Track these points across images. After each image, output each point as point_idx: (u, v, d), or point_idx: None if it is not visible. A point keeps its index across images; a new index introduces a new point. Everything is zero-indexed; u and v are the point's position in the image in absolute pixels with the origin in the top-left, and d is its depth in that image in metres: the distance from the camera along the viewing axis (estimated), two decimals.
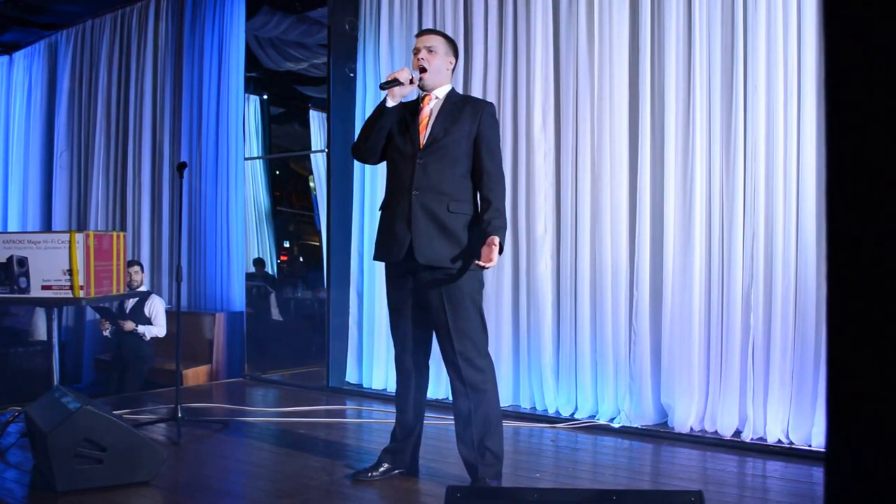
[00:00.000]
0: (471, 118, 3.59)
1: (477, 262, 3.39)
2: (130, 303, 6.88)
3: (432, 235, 3.51)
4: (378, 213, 3.76)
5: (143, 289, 6.84)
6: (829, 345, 0.87)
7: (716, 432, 4.59)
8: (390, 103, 3.59)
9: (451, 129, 3.57)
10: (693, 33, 4.70)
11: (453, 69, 3.78)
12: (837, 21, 0.85)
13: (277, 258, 11.77)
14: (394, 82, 3.55)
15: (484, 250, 3.38)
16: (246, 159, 7.41)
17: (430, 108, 3.68)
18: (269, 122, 11.36)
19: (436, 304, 3.54)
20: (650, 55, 4.87)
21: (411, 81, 3.60)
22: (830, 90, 0.86)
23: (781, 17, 4.41)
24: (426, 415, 3.91)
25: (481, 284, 3.64)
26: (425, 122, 3.65)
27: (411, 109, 3.72)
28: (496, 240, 3.38)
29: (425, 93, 3.71)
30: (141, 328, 6.73)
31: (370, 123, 3.69)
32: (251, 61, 7.52)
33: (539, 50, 5.29)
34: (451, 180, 3.56)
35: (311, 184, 12.13)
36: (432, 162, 3.56)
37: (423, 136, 3.61)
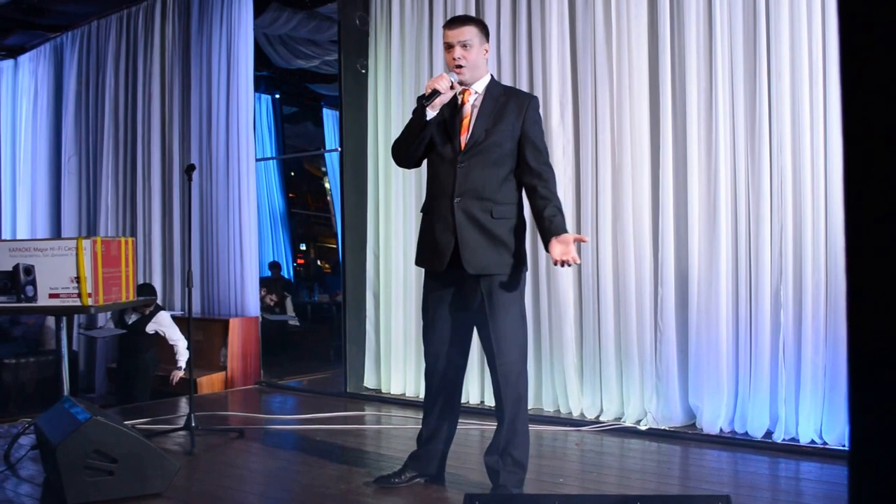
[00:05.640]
0: (515, 115, 3.45)
1: (558, 258, 3.26)
2: (132, 317, 6.70)
3: (479, 244, 3.40)
4: (406, 216, 3.68)
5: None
6: (850, 340, 0.87)
7: (746, 433, 4.49)
8: (430, 115, 3.45)
9: (492, 130, 3.44)
10: (714, 19, 4.59)
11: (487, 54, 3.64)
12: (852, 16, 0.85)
13: (293, 261, 11.69)
14: (434, 94, 3.40)
15: (559, 247, 3.27)
16: (257, 160, 7.30)
17: (471, 104, 3.54)
18: (282, 122, 11.29)
19: (482, 311, 3.42)
20: (670, 43, 4.76)
21: (451, 87, 3.46)
22: (846, 86, 0.86)
23: (805, 1, 4.28)
24: None
25: (524, 288, 3.55)
26: (466, 122, 3.51)
27: (450, 107, 3.56)
28: (572, 237, 3.30)
29: (464, 87, 3.55)
30: (181, 363, 6.44)
31: (412, 134, 3.52)
32: (261, 60, 7.43)
33: (555, 39, 5.16)
34: (493, 184, 3.43)
35: (326, 184, 12.03)
36: (474, 166, 3.42)
37: (464, 139, 3.47)
